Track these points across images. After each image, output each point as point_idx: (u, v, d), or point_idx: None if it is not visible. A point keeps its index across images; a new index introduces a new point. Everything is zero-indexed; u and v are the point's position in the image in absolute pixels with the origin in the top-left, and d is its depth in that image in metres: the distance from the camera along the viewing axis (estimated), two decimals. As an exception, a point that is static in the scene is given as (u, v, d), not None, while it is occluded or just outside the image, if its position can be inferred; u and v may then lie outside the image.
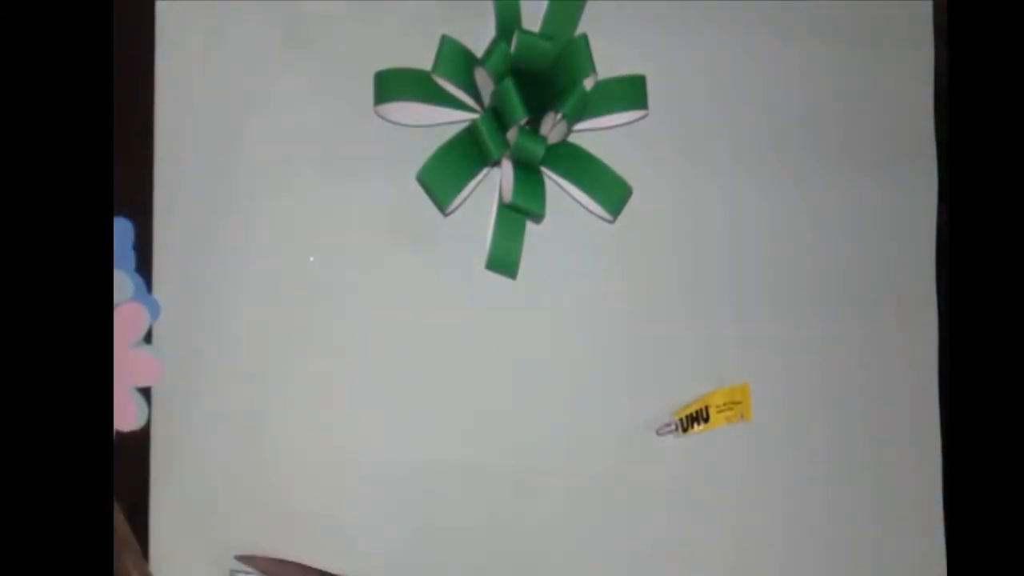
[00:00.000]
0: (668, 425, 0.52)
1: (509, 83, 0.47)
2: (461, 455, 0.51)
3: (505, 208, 0.49)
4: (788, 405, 0.53)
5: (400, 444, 0.50)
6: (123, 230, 0.49)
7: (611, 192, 0.50)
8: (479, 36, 0.49)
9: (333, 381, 0.50)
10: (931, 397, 0.54)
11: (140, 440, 0.49)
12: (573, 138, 0.50)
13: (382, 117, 0.50)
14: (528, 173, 0.49)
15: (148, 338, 0.49)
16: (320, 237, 0.51)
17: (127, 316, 0.49)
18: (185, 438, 0.49)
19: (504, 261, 0.50)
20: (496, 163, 0.49)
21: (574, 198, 0.50)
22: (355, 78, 0.50)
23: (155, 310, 0.49)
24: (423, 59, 0.49)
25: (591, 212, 0.51)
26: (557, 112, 0.48)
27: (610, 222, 0.51)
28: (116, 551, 0.46)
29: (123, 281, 0.49)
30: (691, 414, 0.52)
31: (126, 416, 0.49)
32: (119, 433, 0.49)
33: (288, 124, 0.51)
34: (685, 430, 0.52)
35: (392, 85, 0.49)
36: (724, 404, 0.52)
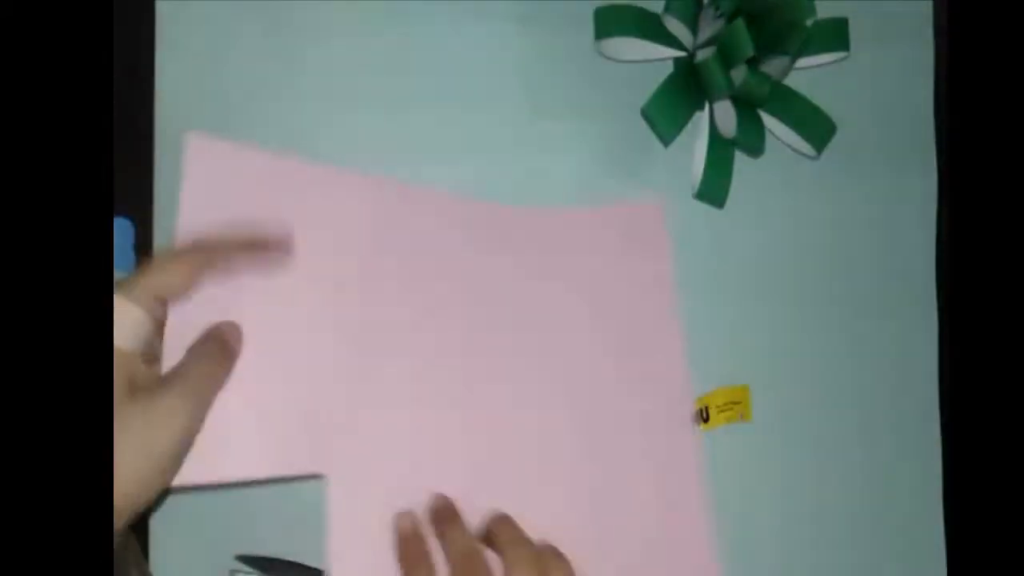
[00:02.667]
0: (668, 425, 0.52)
1: (741, 22, 0.48)
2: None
3: (716, 142, 0.51)
4: (788, 405, 0.53)
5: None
6: (123, 230, 0.49)
7: (817, 128, 0.52)
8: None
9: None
10: (931, 397, 0.54)
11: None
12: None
13: (602, 53, 0.52)
14: (748, 111, 0.50)
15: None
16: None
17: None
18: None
19: (714, 193, 0.52)
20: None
21: (775, 135, 0.52)
22: (356, 77, 0.50)
23: (155, 310, 0.49)
24: (417, 61, 0.49)
25: (794, 150, 0.53)
26: (777, 52, 0.49)
27: (814, 159, 0.53)
28: (116, 551, 0.46)
29: (123, 281, 0.49)
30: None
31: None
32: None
33: (288, 124, 0.51)
34: (685, 430, 0.52)
35: (610, 21, 0.51)
36: (724, 404, 0.52)
